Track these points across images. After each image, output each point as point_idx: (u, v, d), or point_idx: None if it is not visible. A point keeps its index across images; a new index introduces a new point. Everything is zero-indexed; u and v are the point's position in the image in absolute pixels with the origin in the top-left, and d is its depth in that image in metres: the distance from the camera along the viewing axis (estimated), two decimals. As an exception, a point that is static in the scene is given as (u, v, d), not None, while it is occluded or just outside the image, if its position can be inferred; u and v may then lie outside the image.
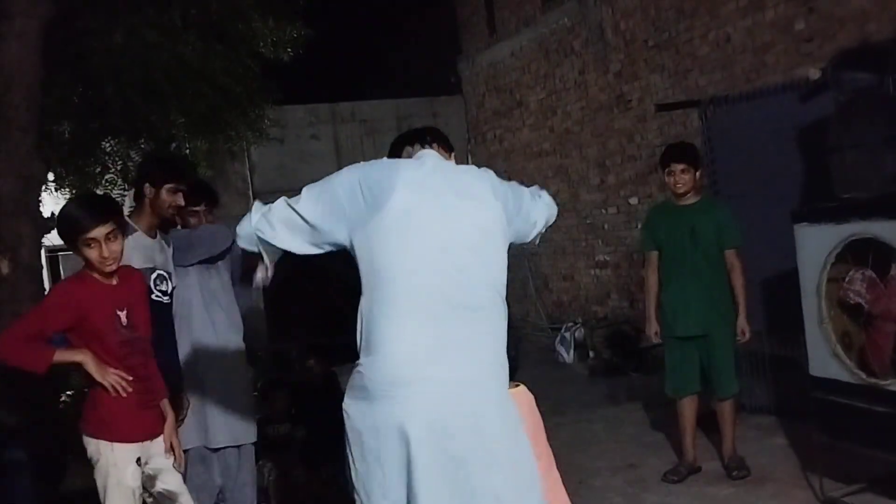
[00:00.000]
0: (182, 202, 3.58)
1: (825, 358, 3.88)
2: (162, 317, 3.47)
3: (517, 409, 2.48)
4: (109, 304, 2.98)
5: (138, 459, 3.01)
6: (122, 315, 3.00)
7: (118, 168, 6.37)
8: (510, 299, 2.55)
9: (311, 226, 2.40)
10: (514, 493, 2.33)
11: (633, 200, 8.54)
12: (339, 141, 11.14)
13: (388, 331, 2.34)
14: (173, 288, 3.61)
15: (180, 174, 3.58)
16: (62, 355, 2.95)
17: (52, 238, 3.67)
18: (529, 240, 2.74)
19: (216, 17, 5.76)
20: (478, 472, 2.28)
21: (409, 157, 2.63)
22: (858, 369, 3.72)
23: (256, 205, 2.49)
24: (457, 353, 2.32)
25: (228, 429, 3.80)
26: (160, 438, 3.11)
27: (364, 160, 2.60)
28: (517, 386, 2.68)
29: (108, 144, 6.28)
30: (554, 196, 2.84)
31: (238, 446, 3.90)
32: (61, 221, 2.97)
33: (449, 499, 2.26)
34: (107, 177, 6.31)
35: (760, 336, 5.16)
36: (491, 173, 2.61)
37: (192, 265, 3.77)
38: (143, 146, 6.23)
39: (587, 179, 9.31)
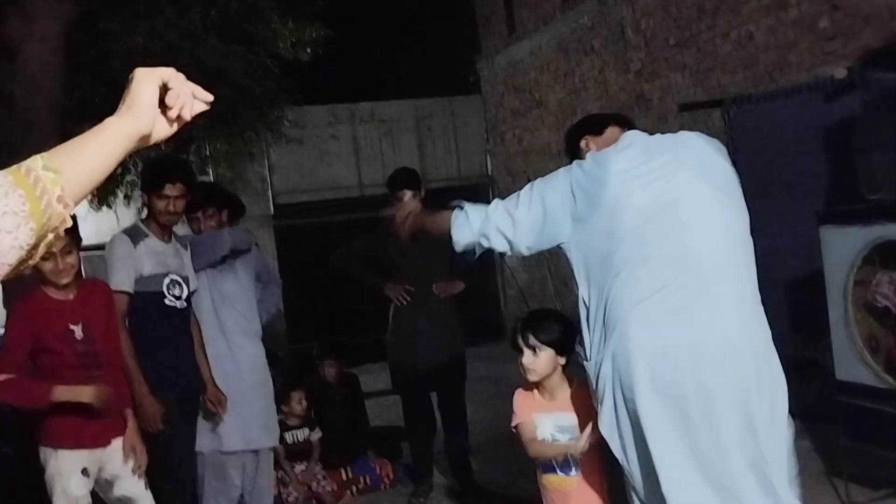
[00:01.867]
0: (174, 208, 3.50)
1: (851, 361, 3.82)
2: (175, 322, 3.47)
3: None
4: (62, 320, 2.99)
5: (85, 469, 2.99)
6: (77, 329, 3.00)
7: (139, 170, 6.39)
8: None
9: (530, 230, 2.57)
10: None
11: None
12: (358, 141, 11.13)
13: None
14: (190, 292, 3.60)
15: (169, 180, 3.47)
16: (63, 394, 2.94)
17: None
18: None
19: (236, 18, 5.77)
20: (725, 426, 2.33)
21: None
22: (885, 373, 3.67)
23: (471, 209, 2.63)
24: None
25: (242, 433, 3.79)
26: (117, 444, 3.08)
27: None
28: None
29: (128, 146, 6.30)
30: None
31: (256, 451, 3.90)
32: None
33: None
34: (127, 178, 6.34)
35: (784, 338, 5.10)
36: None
37: (201, 269, 3.77)
38: (162, 148, 6.25)
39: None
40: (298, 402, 4.98)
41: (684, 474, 2.33)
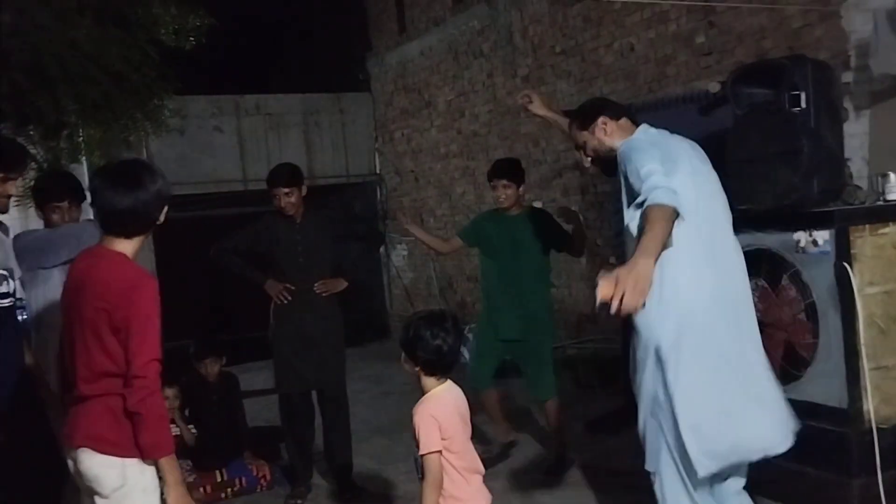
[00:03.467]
0: (10, 192, 3.26)
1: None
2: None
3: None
4: None
5: None
6: None
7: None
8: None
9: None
10: None
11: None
12: (243, 134, 10.86)
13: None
14: (14, 289, 3.26)
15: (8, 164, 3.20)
16: None
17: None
18: None
19: (114, 0, 5.52)
20: None
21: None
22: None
23: (660, 186, 2.71)
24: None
25: None
26: None
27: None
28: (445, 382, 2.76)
29: (-7, 129, 5.93)
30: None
31: None
32: None
33: None
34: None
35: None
36: None
37: (55, 266, 3.53)
38: (31, 132, 5.90)
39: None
40: (171, 399, 4.84)
41: None
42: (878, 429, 3.54)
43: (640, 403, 3.05)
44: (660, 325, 2.86)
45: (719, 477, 2.99)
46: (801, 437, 2.98)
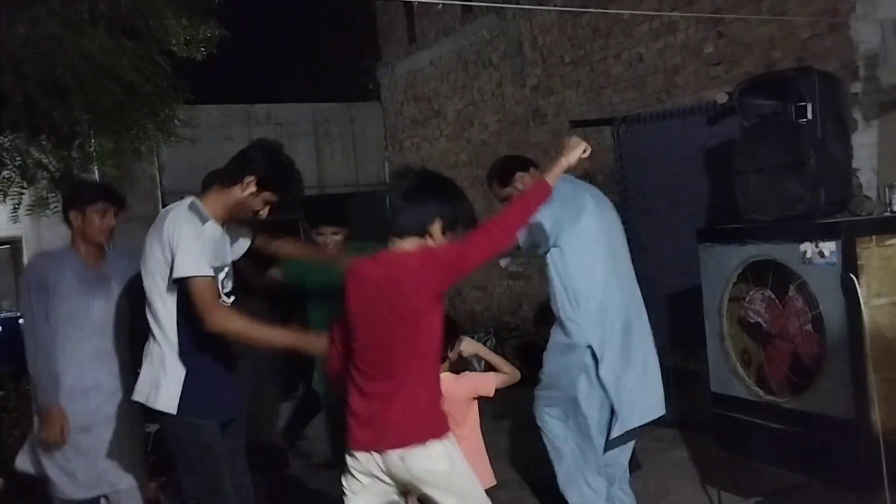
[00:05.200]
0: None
1: (725, 375, 3.99)
2: None
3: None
4: None
5: None
6: None
7: (16, 165, 6.06)
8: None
9: None
10: None
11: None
12: (254, 143, 10.92)
13: None
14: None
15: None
16: None
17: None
18: None
19: (126, 12, 5.56)
20: None
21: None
22: (756, 387, 3.84)
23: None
24: None
25: None
26: None
27: None
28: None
29: (6, 140, 5.97)
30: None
31: None
32: None
33: None
34: (3, 173, 6.00)
35: (665, 350, 5.28)
36: None
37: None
38: (43, 142, 5.95)
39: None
40: None
41: None
42: (885, 441, 3.52)
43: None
44: (589, 329, 3.90)
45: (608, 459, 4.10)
46: (808, 449, 2.98)
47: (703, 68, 6.46)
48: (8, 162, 6.09)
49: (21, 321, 3.22)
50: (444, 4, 9.13)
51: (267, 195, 3.11)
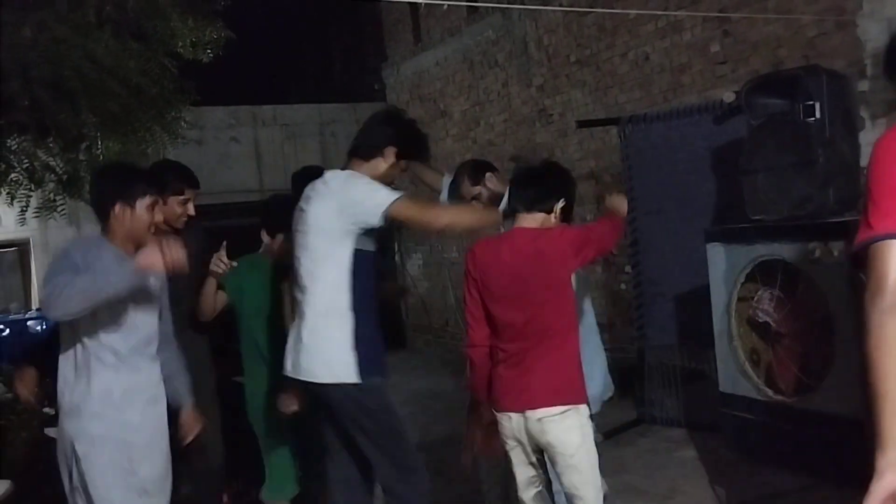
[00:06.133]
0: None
1: (734, 375, 3.98)
2: None
3: None
4: None
5: None
6: None
7: (24, 167, 6.08)
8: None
9: None
10: None
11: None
12: (260, 144, 10.94)
13: None
14: None
15: None
16: None
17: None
18: None
19: (132, 14, 5.56)
20: None
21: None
22: (765, 386, 3.83)
23: None
24: None
25: None
26: None
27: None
28: None
29: (13, 142, 5.99)
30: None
31: None
32: None
33: None
34: (11, 176, 6.02)
35: (673, 349, 5.28)
36: None
37: None
38: (51, 145, 5.96)
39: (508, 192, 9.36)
40: None
41: None
42: (895, 440, 3.51)
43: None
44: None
45: None
46: (817, 449, 2.97)
47: (710, 67, 6.44)
48: (16, 165, 6.11)
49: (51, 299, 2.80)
50: (449, 5, 9.13)
51: (403, 163, 3.19)
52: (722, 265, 3.99)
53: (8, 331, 8.67)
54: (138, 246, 3.06)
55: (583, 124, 6.70)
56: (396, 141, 3.13)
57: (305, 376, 3.02)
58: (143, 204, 2.98)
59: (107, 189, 3.00)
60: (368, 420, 3.01)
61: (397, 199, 2.93)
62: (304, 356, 3.00)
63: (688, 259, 4.94)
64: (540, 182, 3.09)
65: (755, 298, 3.84)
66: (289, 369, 3.07)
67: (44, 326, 8.51)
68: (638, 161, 5.81)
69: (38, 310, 9.65)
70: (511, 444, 2.99)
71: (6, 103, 5.37)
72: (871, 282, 1.55)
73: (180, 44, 5.99)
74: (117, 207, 2.97)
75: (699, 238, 4.23)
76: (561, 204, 3.04)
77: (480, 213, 3.28)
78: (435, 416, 6.54)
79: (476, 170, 4.03)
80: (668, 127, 5.62)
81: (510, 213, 3.11)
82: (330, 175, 3.12)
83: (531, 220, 3.01)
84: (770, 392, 3.78)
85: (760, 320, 3.82)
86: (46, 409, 6.49)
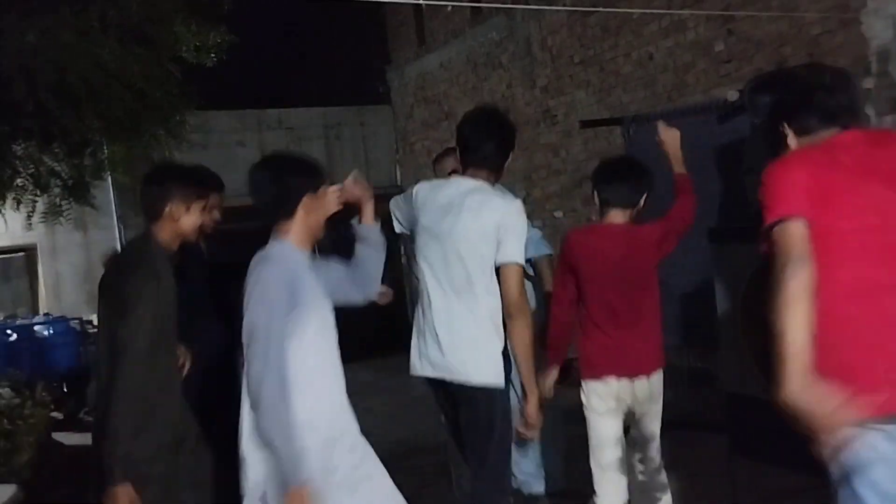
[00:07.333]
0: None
1: (740, 375, 3.96)
2: None
3: None
4: None
5: None
6: None
7: (29, 173, 6.11)
8: None
9: None
10: None
11: (559, 214, 8.62)
12: (265, 148, 10.95)
13: None
14: None
15: None
16: None
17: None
18: None
19: (136, 19, 5.59)
20: None
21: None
22: (772, 387, 3.81)
23: None
24: None
25: None
26: None
27: None
28: None
29: (18, 148, 6.02)
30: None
31: None
32: None
33: None
34: (17, 181, 6.05)
35: (679, 349, 5.26)
36: None
37: None
38: (56, 150, 5.99)
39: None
40: None
41: None
42: (902, 439, 3.49)
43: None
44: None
45: None
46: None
47: (714, 66, 6.43)
48: (21, 170, 6.15)
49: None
50: (452, 6, 9.14)
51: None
52: (727, 265, 3.97)
53: (16, 336, 8.69)
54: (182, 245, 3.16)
55: (586, 124, 6.69)
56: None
57: (453, 376, 3.14)
58: (198, 206, 3.12)
59: (169, 189, 3.04)
60: (501, 424, 3.17)
61: (520, 265, 3.20)
62: (452, 357, 3.14)
63: (692, 258, 4.92)
64: (630, 178, 3.57)
65: (761, 298, 3.83)
66: (428, 370, 3.23)
67: (51, 332, 8.54)
68: (642, 160, 5.78)
69: (45, 314, 9.68)
70: (602, 409, 3.44)
71: (11, 109, 5.40)
72: (779, 257, 2.00)
73: (184, 48, 6.02)
74: (171, 206, 3.02)
75: (703, 237, 4.21)
76: (644, 198, 3.52)
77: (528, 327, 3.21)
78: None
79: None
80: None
81: (604, 203, 3.54)
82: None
83: (621, 216, 3.50)
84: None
85: (766, 320, 3.81)
86: (54, 414, 6.52)
